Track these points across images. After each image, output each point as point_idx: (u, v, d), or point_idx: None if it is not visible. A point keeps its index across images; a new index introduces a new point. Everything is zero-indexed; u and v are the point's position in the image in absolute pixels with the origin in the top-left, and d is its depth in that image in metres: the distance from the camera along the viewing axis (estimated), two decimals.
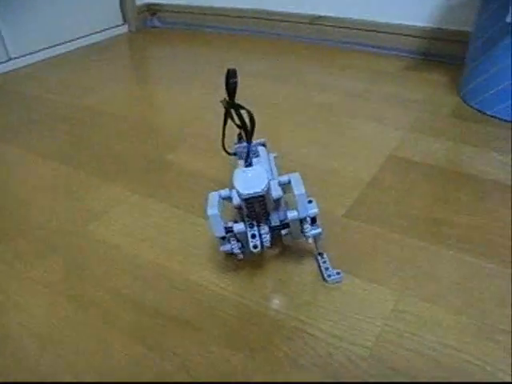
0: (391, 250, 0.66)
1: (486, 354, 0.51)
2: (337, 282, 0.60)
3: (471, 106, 1.06)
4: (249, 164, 0.56)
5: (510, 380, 0.48)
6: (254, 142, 0.67)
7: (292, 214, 0.55)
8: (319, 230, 0.59)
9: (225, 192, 0.58)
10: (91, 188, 0.83)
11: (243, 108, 0.55)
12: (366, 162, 0.87)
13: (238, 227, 0.56)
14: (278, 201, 0.56)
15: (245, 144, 0.62)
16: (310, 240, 0.58)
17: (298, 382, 0.49)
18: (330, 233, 0.69)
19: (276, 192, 0.54)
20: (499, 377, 0.49)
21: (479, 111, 1.04)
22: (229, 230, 0.56)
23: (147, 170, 0.88)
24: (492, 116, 1.01)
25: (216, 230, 0.55)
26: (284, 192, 0.57)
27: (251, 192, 0.50)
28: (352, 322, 0.56)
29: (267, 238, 0.56)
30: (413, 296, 0.59)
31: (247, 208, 0.54)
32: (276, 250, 0.67)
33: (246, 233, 0.56)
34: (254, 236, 0.55)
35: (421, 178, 0.81)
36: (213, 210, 0.54)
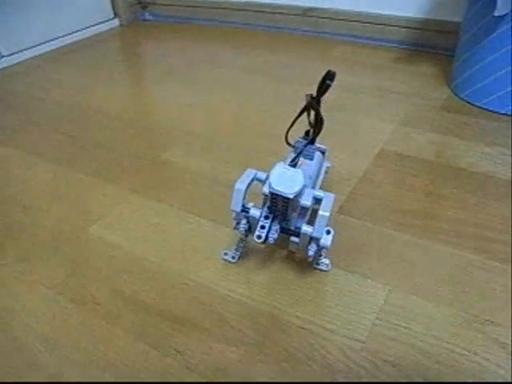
0: (383, 245, 0.68)
1: (474, 345, 0.54)
2: (320, 270, 0.64)
3: (461, 98, 1.08)
4: (294, 164, 0.57)
5: (509, 380, 0.51)
6: (316, 145, 0.68)
7: (306, 229, 0.57)
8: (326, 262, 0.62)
9: (261, 174, 0.60)
10: (89, 188, 0.85)
11: (318, 111, 0.60)
12: (357, 156, 0.88)
13: (254, 212, 0.58)
14: (304, 209, 0.57)
15: (305, 142, 0.66)
16: (310, 259, 0.59)
17: (298, 382, 0.51)
18: None
19: (305, 200, 0.55)
20: (485, 366, 0.51)
21: (469, 103, 1.06)
22: (245, 209, 0.58)
23: (144, 170, 0.89)
24: (481, 108, 1.03)
25: (234, 204, 0.58)
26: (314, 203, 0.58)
27: (281, 190, 0.52)
28: (345, 316, 0.58)
29: (275, 235, 0.57)
30: (404, 290, 0.61)
31: (271, 201, 0.56)
32: (282, 253, 0.69)
33: (258, 221, 0.58)
34: (263, 227, 0.57)
35: (412, 173, 0.83)
36: (241, 185, 0.57)
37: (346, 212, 0.75)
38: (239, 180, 0.58)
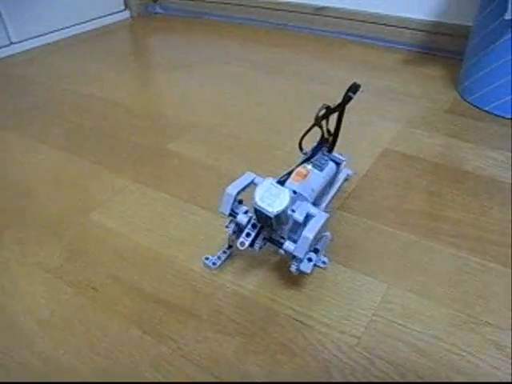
0: (383, 243, 0.68)
1: (470, 345, 0.53)
2: (318, 267, 0.63)
3: (468, 102, 1.07)
4: (282, 182, 0.56)
5: (509, 380, 0.51)
6: (333, 155, 0.67)
7: (288, 246, 0.55)
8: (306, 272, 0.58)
9: (259, 180, 0.59)
10: (93, 176, 0.85)
11: (319, 123, 0.60)
12: (361, 154, 0.88)
13: (241, 218, 0.57)
14: (296, 223, 0.56)
15: (317, 150, 0.64)
16: (294, 273, 0.58)
17: (299, 381, 0.51)
18: None
19: (298, 216, 0.54)
20: (481, 367, 0.51)
21: (476, 107, 1.05)
22: (233, 214, 0.58)
23: (149, 159, 0.89)
24: (488, 112, 1.03)
25: (223, 206, 0.57)
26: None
27: (263, 207, 0.51)
28: (342, 312, 0.58)
29: (260, 243, 0.57)
30: (402, 288, 0.61)
31: (255, 214, 0.55)
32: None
33: (244, 227, 0.57)
34: (248, 235, 0.56)
35: (415, 173, 0.83)
36: (233, 189, 0.56)
37: (348, 209, 0.74)
38: (233, 183, 0.57)
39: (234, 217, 0.58)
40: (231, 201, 0.57)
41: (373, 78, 1.22)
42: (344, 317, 0.57)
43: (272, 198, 0.51)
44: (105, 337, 0.56)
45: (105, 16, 1.69)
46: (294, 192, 0.57)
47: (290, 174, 0.58)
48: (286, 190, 0.52)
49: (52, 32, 1.53)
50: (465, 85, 1.09)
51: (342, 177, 0.72)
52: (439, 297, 0.59)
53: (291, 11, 1.55)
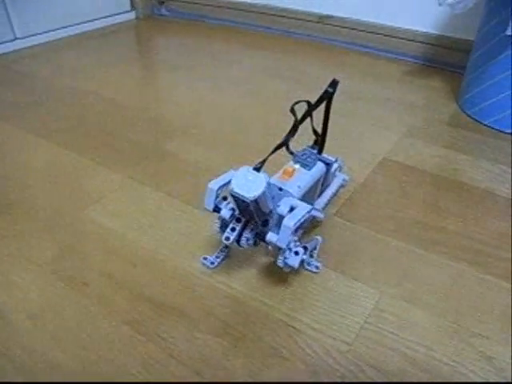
0: (377, 251, 0.68)
1: (459, 356, 0.53)
2: (310, 271, 0.63)
3: (468, 115, 1.08)
4: (258, 169, 0.55)
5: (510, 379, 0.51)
6: (324, 155, 0.67)
7: (271, 237, 0.55)
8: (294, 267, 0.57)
9: None
10: (90, 172, 0.85)
11: (297, 119, 0.58)
12: (359, 162, 0.88)
13: (225, 213, 0.57)
14: (281, 217, 0.55)
15: (305, 151, 0.64)
16: (285, 269, 0.58)
17: (299, 381, 0.51)
18: (319, 229, 0.71)
19: (282, 208, 0.54)
20: (471, 378, 0.51)
21: (475, 120, 1.06)
22: (217, 209, 0.58)
23: (146, 158, 0.89)
24: (487, 126, 1.03)
25: (207, 202, 0.58)
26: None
27: (240, 193, 0.50)
28: (334, 318, 0.58)
29: (250, 240, 0.57)
30: (394, 296, 0.60)
31: (235, 204, 0.55)
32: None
33: (229, 222, 0.57)
34: (233, 229, 0.57)
35: (412, 183, 0.83)
36: (214, 185, 0.57)
37: (343, 215, 0.74)
38: (214, 180, 0.57)
39: (218, 212, 0.58)
40: (214, 195, 0.57)
41: (374, 87, 1.22)
42: (335, 323, 0.57)
43: (249, 184, 0.50)
44: (94, 333, 0.55)
45: (110, 16, 1.69)
46: (280, 189, 0.58)
47: (264, 161, 0.56)
48: (262, 175, 0.51)
49: (57, 29, 1.53)
50: (465, 98, 1.09)
51: (337, 181, 0.72)
52: (432, 306, 0.59)
53: (296, 18, 1.56)
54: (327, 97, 0.60)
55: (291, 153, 0.64)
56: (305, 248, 0.57)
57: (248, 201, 0.50)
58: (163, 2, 1.82)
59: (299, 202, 0.56)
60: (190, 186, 0.81)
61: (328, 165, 0.66)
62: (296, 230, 0.56)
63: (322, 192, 0.70)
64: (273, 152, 0.56)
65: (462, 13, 1.14)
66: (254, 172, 0.52)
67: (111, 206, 0.76)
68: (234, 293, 0.61)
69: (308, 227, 0.70)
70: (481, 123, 1.04)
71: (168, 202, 0.77)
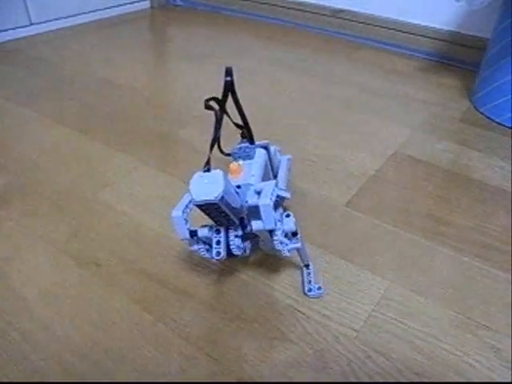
0: (387, 242, 0.68)
1: (466, 346, 0.53)
2: (316, 298, 0.59)
3: (481, 112, 1.07)
4: (207, 170, 0.53)
5: (510, 380, 0.51)
6: (256, 143, 0.64)
7: (257, 225, 0.52)
8: (296, 246, 0.55)
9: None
10: (103, 156, 0.85)
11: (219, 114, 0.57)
12: (371, 155, 0.88)
13: (203, 232, 0.54)
14: (255, 208, 0.52)
15: (241, 145, 0.62)
16: (286, 253, 0.54)
17: (299, 382, 0.51)
18: (330, 219, 0.71)
19: (253, 200, 0.52)
20: (476, 368, 0.51)
21: (488, 118, 1.05)
22: (193, 233, 0.54)
23: (158, 144, 0.90)
24: (499, 123, 1.03)
25: (180, 232, 0.53)
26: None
27: (203, 199, 0.47)
28: (342, 305, 0.58)
29: (236, 243, 0.53)
30: (402, 286, 0.61)
31: (205, 213, 0.51)
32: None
33: (211, 238, 0.54)
34: (218, 243, 0.53)
35: (423, 177, 0.83)
36: (177, 211, 0.53)
37: (354, 206, 0.75)
38: (175, 208, 0.53)
39: (196, 235, 0.54)
40: (182, 221, 0.53)
41: (387, 82, 1.22)
42: (344, 310, 0.57)
43: (208, 187, 0.47)
44: (104, 311, 0.56)
45: (125, 4, 1.70)
46: (238, 187, 0.55)
47: (208, 161, 0.55)
48: (218, 172, 0.48)
49: (72, 16, 1.54)
50: (478, 95, 1.09)
51: (285, 162, 0.69)
52: (439, 297, 0.59)
53: (309, 12, 1.56)
54: (229, 86, 0.58)
55: (227, 154, 0.62)
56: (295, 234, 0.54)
57: (216, 201, 0.47)
58: None
59: (261, 184, 0.54)
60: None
61: (266, 148, 0.65)
62: (275, 208, 0.53)
63: (275, 175, 0.68)
64: (211, 149, 0.55)
65: (478, 10, 1.13)
66: (207, 174, 0.49)
67: (124, 190, 0.77)
68: (244, 277, 0.61)
69: (282, 206, 0.65)
70: (493, 121, 1.04)
71: (178, 186, 0.77)
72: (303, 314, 0.57)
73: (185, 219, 0.53)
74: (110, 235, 0.67)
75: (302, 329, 0.55)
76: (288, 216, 0.54)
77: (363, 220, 0.72)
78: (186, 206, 0.54)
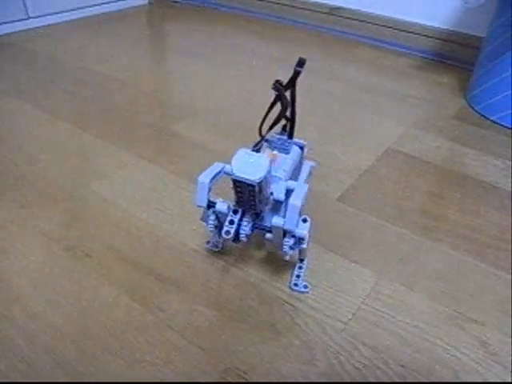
0: (377, 236, 0.68)
1: (454, 340, 0.54)
2: (299, 292, 0.59)
3: (475, 110, 1.08)
4: (257, 149, 0.52)
5: (510, 380, 0.51)
6: (294, 140, 0.63)
7: (277, 221, 0.51)
8: (301, 247, 0.55)
9: (229, 168, 0.53)
10: (98, 149, 0.86)
11: (285, 98, 0.55)
12: (365, 151, 0.89)
13: (221, 206, 0.54)
14: (278, 203, 0.53)
15: (280, 137, 0.61)
16: (287, 257, 0.54)
17: (299, 381, 0.51)
18: (322, 214, 0.71)
19: (279, 194, 0.52)
20: (464, 361, 0.51)
21: (482, 116, 1.06)
22: (211, 204, 0.54)
23: (153, 137, 0.90)
24: (494, 122, 1.03)
25: (198, 199, 0.53)
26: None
27: (244, 177, 0.46)
28: (332, 298, 0.58)
29: (247, 231, 0.53)
30: (392, 280, 0.61)
31: (236, 191, 0.51)
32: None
33: (226, 215, 0.54)
34: (231, 222, 0.53)
35: (416, 173, 0.83)
36: (205, 178, 0.53)
37: (345, 201, 0.75)
38: (203, 173, 0.53)
39: (213, 206, 0.54)
40: (206, 190, 0.53)
41: (382, 80, 1.22)
42: (333, 302, 0.58)
43: (252, 167, 0.46)
44: (94, 301, 0.56)
45: (123, 0, 1.70)
46: None
47: (262, 139, 0.55)
48: (264, 155, 0.48)
49: (70, 10, 1.54)
50: (473, 94, 1.09)
51: (307, 168, 0.68)
52: (428, 291, 0.60)
53: (307, 9, 1.56)
54: (296, 76, 0.57)
55: (266, 140, 0.61)
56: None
57: (254, 183, 0.46)
58: None
59: (293, 182, 0.54)
60: (194, 166, 0.81)
61: (301, 148, 0.64)
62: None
63: (296, 178, 0.66)
64: (270, 129, 0.55)
65: (474, 9, 1.14)
66: (254, 153, 0.48)
67: (117, 182, 0.77)
68: (235, 270, 0.61)
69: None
70: (488, 119, 1.04)
71: (172, 179, 0.78)
72: (292, 305, 0.57)
73: (209, 188, 0.53)
74: (103, 227, 0.67)
75: (291, 320, 0.55)
76: (305, 221, 0.53)
77: (355, 214, 0.72)
78: (215, 176, 0.54)
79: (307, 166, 0.69)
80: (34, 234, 0.66)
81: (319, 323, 0.55)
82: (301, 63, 0.58)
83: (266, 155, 0.49)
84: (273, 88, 0.55)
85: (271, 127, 0.56)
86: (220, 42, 1.44)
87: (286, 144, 0.61)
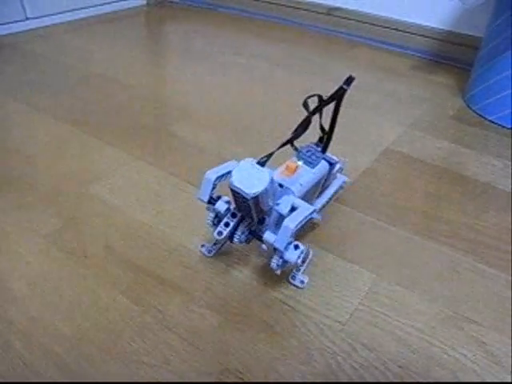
0: (375, 237, 0.68)
1: (451, 340, 0.54)
2: (294, 286, 0.60)
3: (473, 111, 1.08)
4: (262, 163, 0.51)
5: (509, 380, 0.51)
6: (327, 155, 0.63)
7: (269, 237, 0.52)
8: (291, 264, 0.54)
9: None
10: (95, 150, 0.85)
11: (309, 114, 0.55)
12: (363, 151, 0.89)
13: (220, 205, 0.54)
14: (282, 216, 0.52)
15: (310, 148, 0.61)
16: (278, 272, 0.55)
17: (297, 382, 0.51)
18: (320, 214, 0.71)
19: (283, 208, 0.52)
20: (462, 361, 0.51)
21: (480, 116, 1.06)
22: (212, 200, 0.55)
23: (151, 138, 0.90)
24: (492, 122, 1.03)
25: (201, 193, 0.54)
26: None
27: (240, 188, 0.47)
28: (329, 298, 0.58)
29: (242, 236, 0.54)
30: (390, 280, 0.61)
31: (233, 198, 0.51)
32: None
33: (223, 216, 0.54)
34: (227, 224, 0.53)
35: (414, 173, 0.83)
36: (212, 174, 0.53)
37: (343, 201, 0.75)
38: (213, 169, 0.54)
39: (213, 204, 0.55)
40: (210, 186, 0.53)
41: (380, 80, 1.22)
42: (330, 303, 0.58)
43: (251, 180, 0.47)
44: (92, 303, 0.56)
45: (121, 0, 1.70)
46: (281, 185, 0.54)
47: (270, 155, 0.53)
48: (267, 171, 0.47)
49: (68, 11, 1.54)
50: (471, 94, 1.09)
51: (337, 183, 0.69)
52: (426, 292, 0.60)
53: (305, 9, 1.56)
54: (340, 94, 0.57)
55: (295, 148, 0.60)
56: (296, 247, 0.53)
57: (248, 197, 0.47)
58: None
59: (301, 202, 0.53)
60: (191, 166, 0.81)
61: (331, 165, 0.63)
62: (301, 226, 0.52)
63: (321, 192, 0.67)
64: (281, 146, 0.53)
65: (472, 9, 1.14)
66: (258, 166, 0.48)
67: (115, 183, 0.77)
68: (232, 271, 0.61)
69: (304, 229, 0.68)
70: (485, 119, 1.04)
71: (169, 181, 0.78)
72: (290, 306, 0.57)
73: (214, 184, 0.54)
74: (100, 228, 0.67)
75: (289, 321, 0.55)
76: (296, 248, 0.52)
77: (353, 215, 0.72)
78: (224, 175, 0.54)
79: (339, 181, 0.68)
80: (30, 236, 0.65)
81: (317, 324, 0.55)
82: (348, 81, 0.56)
83: (268, 171, 0.48)
84: (303, 105, 0.55)
85: (284, 144, 0.54)
86: (218, 42, 1.44)
87: (314, 157, 0.60)
